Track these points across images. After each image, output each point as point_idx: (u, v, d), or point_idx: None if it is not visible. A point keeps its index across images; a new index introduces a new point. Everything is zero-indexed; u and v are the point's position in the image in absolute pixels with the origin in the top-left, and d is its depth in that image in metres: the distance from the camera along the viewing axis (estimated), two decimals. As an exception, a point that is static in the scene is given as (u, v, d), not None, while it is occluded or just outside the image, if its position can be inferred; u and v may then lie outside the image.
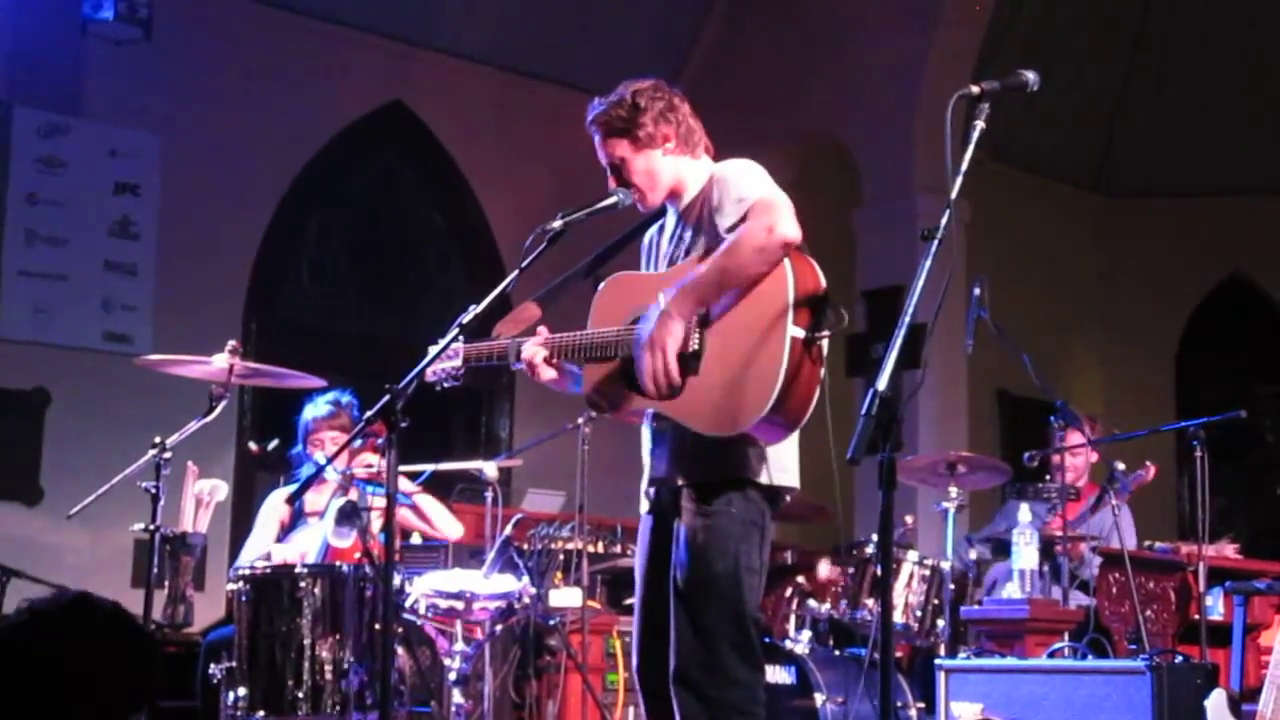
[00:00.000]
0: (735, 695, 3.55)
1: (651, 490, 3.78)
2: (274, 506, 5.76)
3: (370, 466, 5.27)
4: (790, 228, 3.48)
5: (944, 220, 2.94)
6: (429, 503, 5.77)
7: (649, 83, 3.82)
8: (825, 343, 3.49)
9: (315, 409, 5.62)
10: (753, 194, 3.56)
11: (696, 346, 3.55)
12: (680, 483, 3.66)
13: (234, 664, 4.74)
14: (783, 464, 3.67)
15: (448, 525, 5.83)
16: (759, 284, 3.50)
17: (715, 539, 3.57)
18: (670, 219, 3.85)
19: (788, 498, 3.72)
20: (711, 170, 3.78)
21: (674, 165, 3.79)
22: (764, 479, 3.63)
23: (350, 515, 5.08)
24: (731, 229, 3.56)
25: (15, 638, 2.40)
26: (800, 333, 3.45)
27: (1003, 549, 6.58)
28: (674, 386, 3.54)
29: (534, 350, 3.76)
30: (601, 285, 3.82)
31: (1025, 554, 5.95)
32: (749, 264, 3.48)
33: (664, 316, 3.51)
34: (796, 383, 3.43)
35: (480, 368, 3.89)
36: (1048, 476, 6.76)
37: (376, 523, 5.08)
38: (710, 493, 3.61)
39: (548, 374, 3.77)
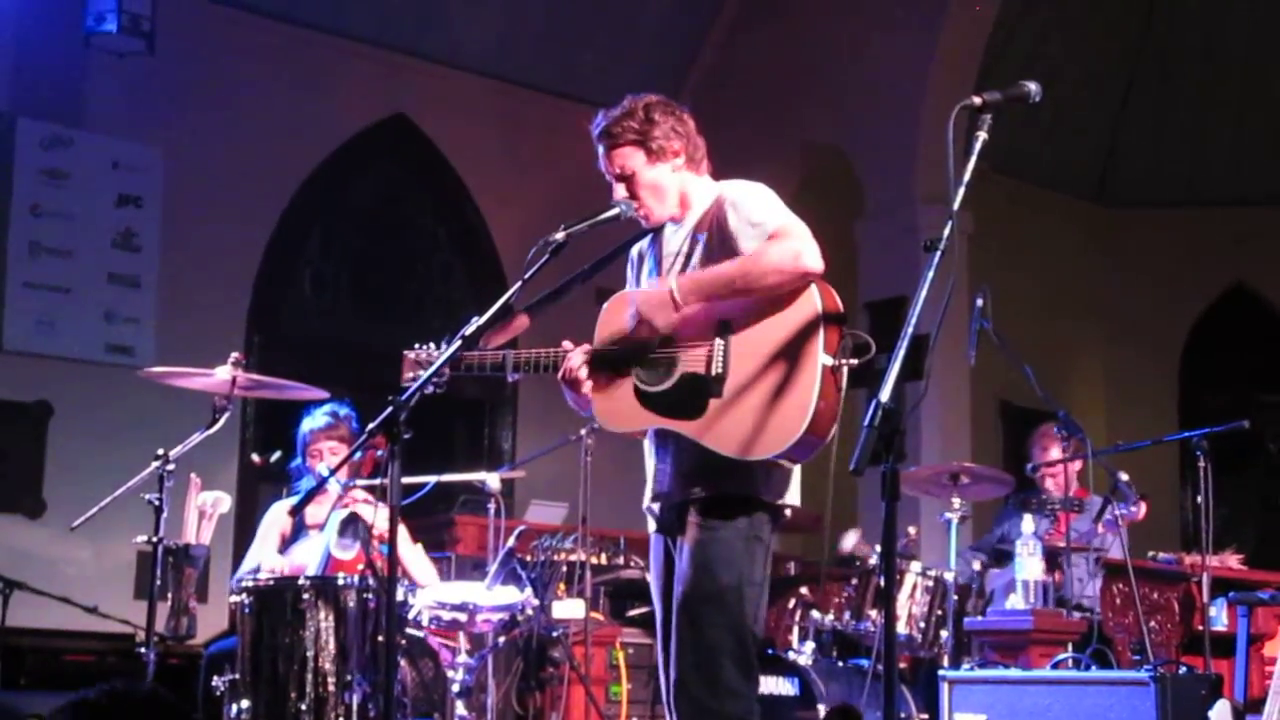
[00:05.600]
0: (734, 706, 3.57)
1: (655, 506, 3.77)
2: (275, 518, 5.75)
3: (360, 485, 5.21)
4: (815, 260, 3.51)
5: (946, 231, 2.94)
6: (407, 549, 5.57)
7: (657, 97, 3.82)
8: (847, 369, 3.52)
9: (313, 421, 5.60)
10: (775, 219, 3.58)
11: (720, 370, 3.55)
12: (685, 499, 3.65)
13: (237, 676, 4.74)
14: (786, 482, 3.68)
15: (423, 573, 5.64)
16: (783, 309, 3.52)
17: (720, 553, 3.58)
18: (671, 235, 3.82)
19: (788, 513, 3.72)
20: (719, 190, 3.76)
21: (680, 180, 3.78)
22: (768, 496, 3.63)
23: (353, 527, 5.08)
24: None
25: None
26: (829, 360, 3.48)
27: (1000, 558, 6.57)
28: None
29: (580, 360, 3.69)
30: (606, 304, 3.79)
31: (1029, 565, 5.93)
32: (766, 279, 3.50)
33: (668, 298, 3.57)
34: (822, 407, 3.46)
35: (466, 376, 3.81)
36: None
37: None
38: (715, 509, 3.61)
39: (588, 386, 3.72)
